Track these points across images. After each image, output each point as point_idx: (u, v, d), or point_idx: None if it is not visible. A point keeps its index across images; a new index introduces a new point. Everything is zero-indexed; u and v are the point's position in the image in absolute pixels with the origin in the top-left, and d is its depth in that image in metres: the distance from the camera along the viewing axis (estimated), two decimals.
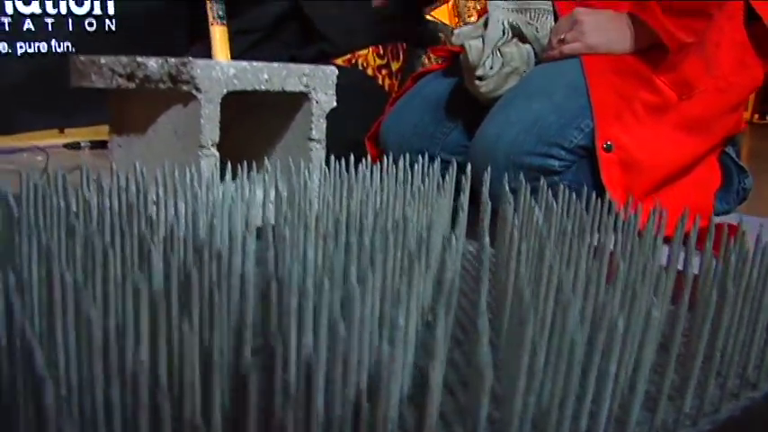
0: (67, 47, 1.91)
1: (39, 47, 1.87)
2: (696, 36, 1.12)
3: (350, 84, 1.45)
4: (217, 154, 0.91)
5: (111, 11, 1.95)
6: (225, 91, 0.90)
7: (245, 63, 0.92)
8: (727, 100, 1.21)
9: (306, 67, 0.99)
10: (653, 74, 1.14)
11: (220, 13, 1.45)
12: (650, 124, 1.14)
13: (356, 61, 1.53)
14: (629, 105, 1.12)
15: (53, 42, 1.89)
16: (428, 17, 1.88)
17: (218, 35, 1.45)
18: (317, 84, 1.01)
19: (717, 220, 1.21)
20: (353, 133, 1.36)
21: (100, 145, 1.75)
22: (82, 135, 1.94)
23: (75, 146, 1.72)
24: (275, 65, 0.95)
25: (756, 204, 1.41)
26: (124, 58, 0.92)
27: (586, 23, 1.16)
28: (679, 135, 1.16)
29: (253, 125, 1.06)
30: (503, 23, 1.20)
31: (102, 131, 1.93)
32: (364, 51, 1.55)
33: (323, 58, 1.53)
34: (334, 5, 1.58)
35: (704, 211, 1.18)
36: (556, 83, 1.14)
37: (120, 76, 0.92)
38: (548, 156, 1.08)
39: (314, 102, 1.01)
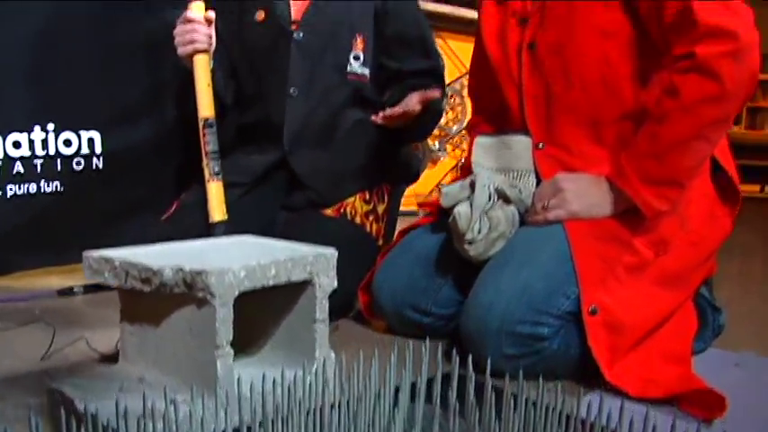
0: (56, 186, 1.95)
1: (28, 188, 1.91)
2: (671, 204, 1.21)
3: (340, 235, 1.52)
4: (231, 351, 0.95)
5: (98, 150, 2.00)
6: (237, 293, 0.95)
7: (254, 263, 0.97)
8: (700, 252, 1.30)
9: (309, 255, 1.05)
10: (631, 236, 1.22)
11: (216, 169, 1.53)
12: (630, 284, 1.21)
13: (344, 210, 1.60)
14: (611, 269, 1.20)
15: (42, 183, 1.93)
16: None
17: (215, 191, 1.52)
18: (320, 269, 1.07)
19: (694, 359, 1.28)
20: (345, 283, 1.41)
21: (93, 289, 1.78)
22: (71, 272, 1.97)
23: (68, 291, 1.75)
24: (281, 258, 1.01)
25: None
26: (139, 264, 0.97)
27: (568, 191, 1.24)
28: (657, 290, 1.24)
29: (256, 309, 1.10)
30: (489, 188, 1.28)
31: None
32: (351, 199, 1.62)
33: (312, 207, 1.59)
34: (321, 158, 1.65)
35: (684, 359, 1.25)
36: (542, 250, 1.21)
37: (135, 278, 0.97)
38: (538, 323, 1.15)
39: (317, 286, 1.07)
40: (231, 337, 0.95)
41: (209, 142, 1.52)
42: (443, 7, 3.78)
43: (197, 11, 1.54)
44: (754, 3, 1.21)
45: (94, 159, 2.00)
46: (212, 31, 1.55)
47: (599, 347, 1.15)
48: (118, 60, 2.01)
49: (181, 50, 1.54)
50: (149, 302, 1.01)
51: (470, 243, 1.25)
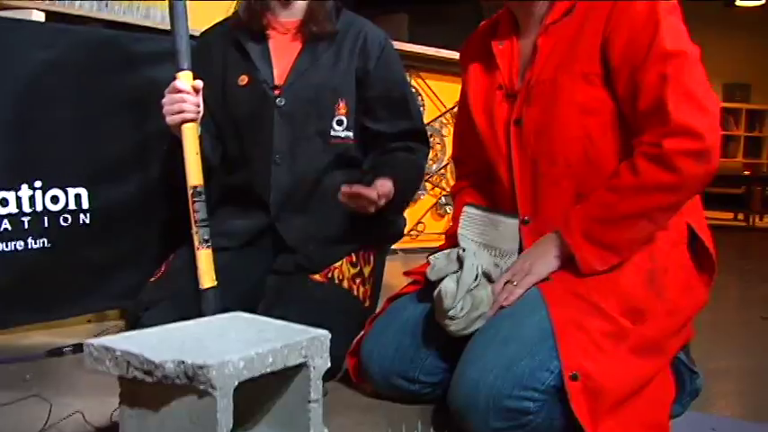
0: (43, 243, 1.97)
1: (16, 245, 1.93)
2: (608, 266, 1.28)
3: (329, 301, 1.56)
4: None
5: (85, 205, 2.02)
6: (236, 383, 0.98)
7: (252, 353, 1.00)
8: (677, 321, 1.35)
9: (304, 340, 1.09)
10: (610, 306, 1.27)
11: (206, 237, 1.55)
12: (610, 351, 1.25)
13: (332, 275, 1.63)
14: (590, 337, 1.24)
15: (29, 240, 1.95)
16: None
17: (204, 258, 1.55)
18: (314, 352, 1.11)
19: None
20: (334, 348, 1.44)
21: (81, 348, 1.80)
22: (60, 328, 1.99)
23: (57, 352, 1.76)
24: (278, 346, 1.04)
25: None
26: (141, 356, 1.00)
27: (524, 263, 1.32)
28: (636, 359, 1.28)
29: (251, 389, 1.13)
30: (476, 269, 1.33)
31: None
32: (339, 263, 1.65)
33: (300, 271, 1.63)
34: (308, 223, 1.68)
35: (661, 427, 1.29)
36: (525, 324, 1.26)
37: (137, 369, 1.00)
38: (523, 399, 1.20)
39: (311, 368, 1.11)
40: (231, 426, 0.99)
41: (197, 210, 1.55)
42: (423, 48, 3.85)
43: (185, 80, 1.57)
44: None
45: (81, 215, 2.02)
46: (200, 100, 1.58)
47: (581, 413, 1.19)
48: (104, 117, 2.04)
49: (169, 119, 1.56)
50: (150, 390, 1.04)
51: (451, 319, 1.30)
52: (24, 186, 1.93)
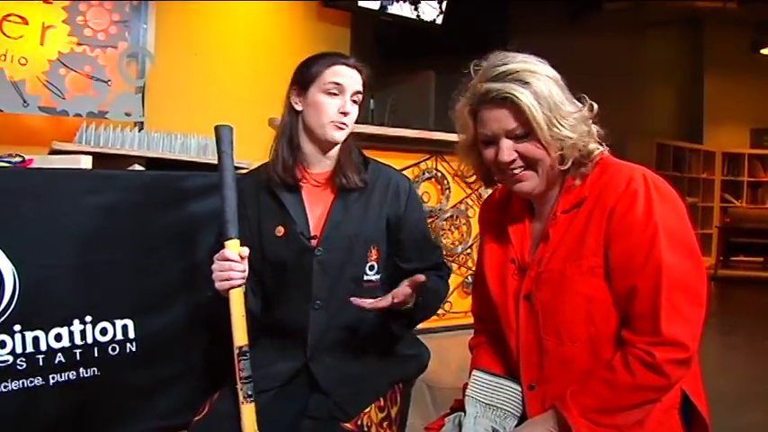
0: (94, 371, 2.12)
1: (68, 375, 2.08)
2: None
3: None
4: None
5: (131, 335, 2.18)
6: None
7: None
8: None
9: None
10: None
11: (249, 392, 1.68)
12: None
13: (362, 422, 1.73)
14: None
15: (81, 370, 2.10)
16: None
17: (247, 413, 1.68)
18: None
19: None
20: None
21: None
22: None
23: None
24: None
25: None
26: None
27: None
28: None
29: None
30: None
31: None
32: (368, 409, 1.76)
33: (333, 419, 1.74)
34: (341, 366, 1.79)
35: None
36: None
37: None
38: None
39: None
40: None
41: (243, 369, 1.66)
42: (449, 135, 3.99)
43: (233, 249, 1.69)
44: None
45: (128, 344, 2.18)
46: (246, 266, 1.71)
47: None
48: (150, 252, 2.21)
49: (218, 285, 1.68)
50: None
51: None
52: (76, 321, 2.09)
